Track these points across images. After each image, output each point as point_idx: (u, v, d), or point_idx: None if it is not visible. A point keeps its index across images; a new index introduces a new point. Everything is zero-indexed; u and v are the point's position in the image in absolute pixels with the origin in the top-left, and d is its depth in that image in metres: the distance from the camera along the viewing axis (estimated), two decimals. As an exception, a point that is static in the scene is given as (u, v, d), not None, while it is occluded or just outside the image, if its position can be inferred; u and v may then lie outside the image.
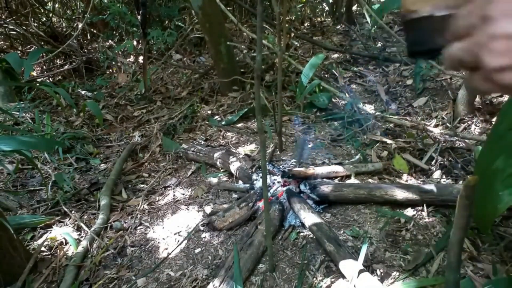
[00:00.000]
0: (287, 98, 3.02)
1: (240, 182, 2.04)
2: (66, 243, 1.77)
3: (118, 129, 2.97)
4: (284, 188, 1.84)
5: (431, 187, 1.62)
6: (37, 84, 3.35)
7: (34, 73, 3.98)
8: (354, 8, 4.80)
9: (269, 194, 1.79)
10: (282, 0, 1.72)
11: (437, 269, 1.33)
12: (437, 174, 1.89)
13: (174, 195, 2.07)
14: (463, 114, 2.30)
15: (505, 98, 2.36)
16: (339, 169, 1.92)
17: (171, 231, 1.78)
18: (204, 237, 1.69)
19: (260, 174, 1.92)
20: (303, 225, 1.61)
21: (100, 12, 4.07)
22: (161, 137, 2.65)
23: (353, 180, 1.88)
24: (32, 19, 4.01)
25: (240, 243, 1.51)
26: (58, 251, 1.71)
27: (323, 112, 2.75)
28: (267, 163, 2.02)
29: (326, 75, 3.31)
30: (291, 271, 1.42)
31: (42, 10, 4.42)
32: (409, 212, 1.63)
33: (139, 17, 3.00)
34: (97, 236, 1.75)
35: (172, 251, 1.63)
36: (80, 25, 3.89)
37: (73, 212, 1.97)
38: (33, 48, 3.96)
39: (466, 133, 2.18)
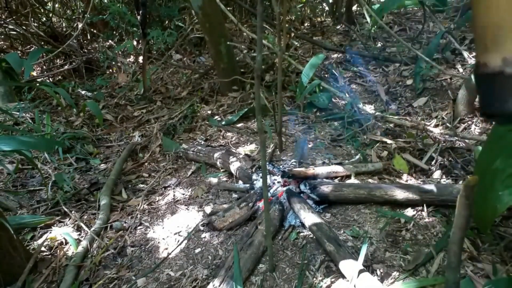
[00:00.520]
0: (287, 98, 3.02)
1: (240, 182, 2.04)
2: (66, 243, 1.77)
3: (118, 129, 2.97)
4: (284, 188, 1.84)
5: (431, 187, 1.62)
6: (37, 84, 3.35)
7: (34, 73, 3.98)
8: (354, 8, 4.80)
9: (269, 194, 1.79)
10: (282, 0, 1.72)
11: (437, 269, 1.33)
12: (437, 174, 1.89)
13: (174, 195, 2.07)
14: (463, 114, 2.30)
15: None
16: (339, 169, 1.92)
17: (171, 231, 1.78)
18: (204, 237, 1.69)
19: (260, 174, 1.92)
20: (303, 225, 1.61)
21: (100, 12, 4.07)
22: (161, 137, 2.65)
23: (353, 180, 1.88)
24: (32, 19, 4.01)
25: (240, 243, 1.51)
26: (58, 251, 1.71)
27: (323, 112, 2.75)
28: (267, 163, 2.02)
29: (326, 75, 3.31)
30: (291, 271, 1.42)
31: (42, 10, 4.42)
32: (409, 212, 1.63)
33: (139, 17, 3.01)
34: (97, 236, 1.75)
35: (172, 251, 1.63)
36: (80, 25, 3.89)
37: (73, 212, 1.97)
38: (33, 48, 3.96)
39: (466, 133, 2.18)
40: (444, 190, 1.59)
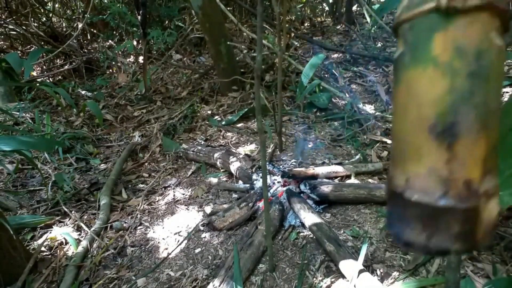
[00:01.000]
0: (287, 98, 3.02)
1: (240, 182, 2.04)
2: (66, 243, 1.77)
3: (118, 129, 2.97)
4: (284, 188, 1.84)
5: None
6: (37, 84, 3.35)
7: (34, 73, 3.98)
8: (354, 8, 4.80)
9: (269, 194, 1.79)
10: (282, 0, 1.72)
11: (437, 269, 1.33)
12: (437, 174, 1.89)
13: (174, 195, 2.07)
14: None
15: (505, 98, 2.36)
16: (339, 169, 1.92)
17: (171, 231, 1.78)
18: (204, 237, 1.69)
19: (260, 174, 1.92)
20: (303, 225, 1.61)
21: (100, 12, 4.07)
22: (161, 137, 2.65)
23: (353, 180, 1.88)
24: (32, 19, 4.01)
25: (240, 243, 1.51)
26: (58, 251, 1.71)
27: (323, 112, 2.75)
28: (267, 163, 2.02)
29: (326, 75, 3.31)
30: (291, 271, 1.42)
31: (42, 10, 4.42)
32: (409, 212, 1.63)
33: (139, 17, 3.00)
34: (97, 236, 1.75)
35: (172, 251, 1.63)
36: (80, 25, 3.89)
37: (73, 212, 1.97)
38: (33, 48, 3.96)
39: (466, 133, 2.18)
40: (444, 190, 1.59)
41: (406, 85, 0.33)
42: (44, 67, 4.15)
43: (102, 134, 2.89)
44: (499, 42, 0.31)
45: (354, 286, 1.25)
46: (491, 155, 0.33)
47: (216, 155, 2.20)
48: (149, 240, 1.75)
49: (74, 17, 4.59)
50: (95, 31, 4.38)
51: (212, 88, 3.38)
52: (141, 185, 2.24)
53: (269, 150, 2.25)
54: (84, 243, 1.70)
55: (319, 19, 4.99)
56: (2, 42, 4.25)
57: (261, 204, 1.75)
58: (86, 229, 1.82)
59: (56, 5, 4.64)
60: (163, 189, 2.16)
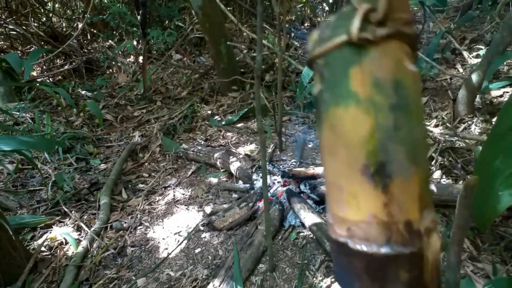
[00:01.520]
0: (287, 98, 3.02)
1: (240, 182, 2.04)
2: (66, 243, 1.77)
3: (118, 129, 2.97)
4: (284, 188, 1.84)
5: (431, 187, 1.62)
6: (37, 84, 3.35)
7: (34, 73, 3.98)
8: (354, 8, 4.80)
9: (269, 194, 1.79)
10: (282, 0, 1.72)
11: (437, 269, 1.32)
12: (437, 174, 1.89)
13: (174, 195, 2.07)
14: (463, 114, 2.30)
15: (505, 98, 2.36)
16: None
17: (171, 231, 1.78)
18: (204, 237, 1.69)
19: (260, 174, 1.92)
20: (303, 225, 1.61)
21: (100, 12, 4.07)
22: (161, 137, 2.65)
23: (353, 180, 1.88)
24: (32, 19, 4.01)
25: (240, 243, 1.51)
26: (58, 251, 1.71)
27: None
28: (267, 163, 2.02)
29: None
30: (291, 271, 1.42)
31: (42, 10, 4.41)
32: (409, 212, 1.63)
33: (139, 17, 3.00)
34: (97, 236, 1.75)
35: (172, 251, 1.63)
36: (80, 25, 3.89)
37: (73, 212, 1.97)
38: (33, 48, 3.96)
39: (466, 133, 2.18)
40: (444, 190, 1.59)
41: (330, 125, 0.31)
42: (44, 67, 4.15)
43: (102, 134, 2.89)
44: (413, 68, 0.30)
45: (354, 286, 1.25)
46: (425, 188, 0.31)
47: (216, 155, 2.20)
48: (149, 240, 1.75)
49: (74, 17, 4.59)
50: (95, 31, 4.38)
51: (212, 88, 3.38)
52: (141, 185, 2.24)
53: (269, 150, 2.25)
54: (84, 243, 1.70)
55: (319, 19, 4.99)
56: (2, 42, 4.25)
57: (261, 204, 1.75)
58: (86, 229, 1.82)
59: (56, 5, 4.64)
60: (163, 189, 2.16)
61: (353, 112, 0.29)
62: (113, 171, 2.25)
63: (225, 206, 1.83)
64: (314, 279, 1.37)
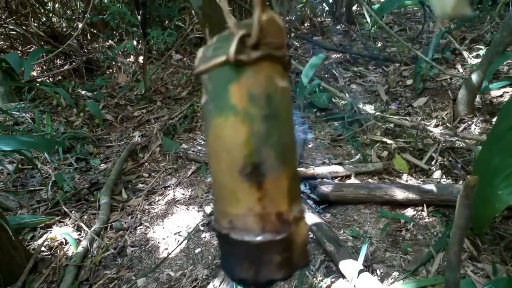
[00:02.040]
0: (287, 98, 3.02)
1: (240, 182, 2.03)
2: (66, 243, 1.77)
3: (118, 129, 2.97)
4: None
5: (431, 187, 1.62)
6: (37, 84, 3.35)
7: (34, 73, 3.98)
8: (354, 8, 4.80)
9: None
10: (282, 0, 1.72)
11: (437, 269, 1.33)
12: (437, 174, 1.89)
13: (174, 195, 2.07)
14: (463, 114, 2.30)
15: (505, 98, 2.36)
16: (339, 169, 1.92)
17: (171, 231, 1.78)
18: (204, 237, 1.69)
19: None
20: (303, 225, 1.61)
21: (100, 12, 4.07)
22: (161, 137, 2.65)
23: (353, 180, 1.88)
24: (32, 19, 4.01)
25: (240, 243, 1.51)
26: (58, 251, 1.71)
27: (323, 112, 2.75)
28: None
29: (326, 75, 3.31)
30: (291, 271, 1.42)
31: (42, 10, 4.41)
32: (409, 212, 1.63)
33: (139, 17, 3.00)
34: (97, 236, 1.75)
35: (172, 251, 1.63)
36: (80, 25, 3.89)
37: (73, 212, 1.97)
38: (33, 48, 3.96)
39: (466, 133, 2.18)
40: (444, 190, 1.59)
41: (214, 132, 0.36)
42: (44, 67, 4.15)
43: (102, 134, 2.89)
44: (283, 84, 0.35)
45: (354, 286, 1.25)
46: (293, 184, 0.36)
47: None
48: (149, 240, 1.75)
49: (74, 17, 4.59)
50: (95, 31, 4.38)
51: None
52: (141, 185, 2.24)
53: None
54: (84, 243, 1.70)
55: (319, 19, 4.99)
56: (2, 42, 4.25)
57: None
58: (86, 229, 1.82)
59: (56, 5, 4.64)
60: (163, 189, 2.16)
61: (232, 122, 0.34)
62: (113, 171, 2.25)
63: (225, 206, 1.83)
64: (314, 279, 1.37)
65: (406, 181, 1.89)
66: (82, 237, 1.81)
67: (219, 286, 1.33)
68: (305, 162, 2.11)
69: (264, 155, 0.34)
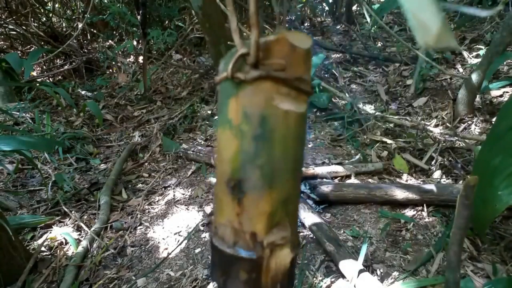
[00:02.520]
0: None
1: (240, 182, 2.03)
2: (66, 243, 1.77)
3: (118, 129, 2.97)
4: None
5: (431, 187, 1.62)
6: (37, 84, 3.35)
7: (34, 73, 3.98)
8: (354, 8, 4.80)
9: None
10: (282, 0, 1.72)
11: (437, 269, 1.33)
12: (437, 174, 1.89)
13: (174, 195, 2.07)
14: (463, 114, 2.30)
15: (505, 98, 2.36)
16: (339, 169, 1.92)
17: (171, 231, 1.78)
18: (204, 237, 1.69)
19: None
20: (303, 225, 1.61)
21: (100, 12, 4.07)
22: (161, 137, 2.65)
23: (353, 180, 1.88)
24: (32, 19, 4.01)
25: (240, 243, 1.51)
26: (58, 251, 1.71)
27: (323, 112, 2.75)
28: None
29: (326, 75, 3.31)
30: (291, 271, 1.42)
31: (42, 10, 4.41)
32: (409, 212, 1.63)
33: (139, 17, 3.00)
34: (97, 236, 1.75)
35: (172, 251, 1.63)
36: (80, 25, 3.89)
37: (73, 212, 1.97)
38: (33, 48, 3.96)
39: (466, 133, 2.18)
40: (444, 190, 1.59)
41: (218, 140, 0.38)
42: (44, 67, 4.15)
43: (102, 134, 2.89)
44: (287, 107, 0.33)
45: (354, 286, 1.25)
46: (281, 209, 0.36)
47: (216, 155, 2.20)
48: (149, 240, 1.75)
49: (74, 17, 4.59)
50: (95, 31, 4.38)
51: (212, 88, 3.38)
52: (141, 185, 2.24)
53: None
54: (84, 243, 1.70)
55: (319, 19, 4.99)
56: (2, 42, 4.25)
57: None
58: (86, 229, 1.82)
59: (56, 5, 4.64)
60: (163, 189, 2.16)
61: (228, 135, 0.35)
62: (113, 171, 2.25)
63: (225, 206, 1.83)
64: (314, 279, 1.37)
65: (406, 181, 1.89)
66: (82, 237, 1.81)
67: (219, 286, 1.33)
68: (305, 162, 2.11)
69: (248, 173, 0.34)
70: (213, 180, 2.09)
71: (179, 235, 1.75)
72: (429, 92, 2.73)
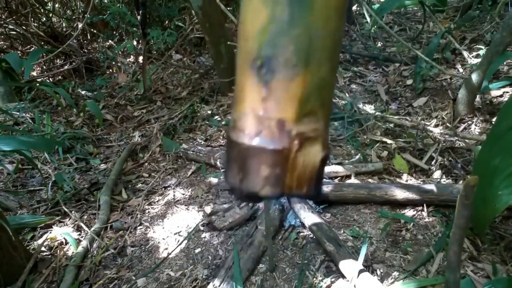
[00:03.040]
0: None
1: (240, 182, 2.03)
2: (66, 243, 1.77)
3: (118, 129, 2.97)
4: (284, 188, 1.83)
5: (431, 187, 1.62)
6: (37, 84, 3.35)
7: (34, 73, 3.98)
8: (354, 8, 4.80)
9: (269, 194, 1.79)
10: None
11: (437, 269, 1.33)
12: (437, 174, 1.89)
13: (174, 195, 2.07)
14: (463, 114, 2.30)
15: (505, 98, 2.36)
16: (339, 169, 1.92)
17: (171, 231, 1.78)
18: (204, 237, 1.69)
19: (260, 174, 1.92)
20: (303, 225, 1.61)
21: (100, 12, 4.07)
22: (161, 137, 2.65)
23: (353, 180, 1.88)
24: (32, 19, 4.01)
25: (240, 243, 1.51)
26: (58, 251, 1.71)
27: (323, 112, 2.74)
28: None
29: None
30: (291, 271, 1.42)
31: (42, 10, 4.41)
32: (409, 212, 1.63)
33: (139, 17, 3.00)
34: (97, 236, 1.75)
35: (172, 251, 1.63)
36: (80, 25, 3.89)
37: (73, 212, 1.97)
38: (33, 48, 3.96)
39: (466, 133, 2.18)
40: (444, 190, 1.59)
41: (240, 19, 0.30)
42: (44, 67, 4.15)
43: (102, 134, 2.89)
44: None
45: (354, 286, 1.25)
46: (315, 96, 0.29)
47: (216, 155, 2.20)
48: (149, 240, 1.75)
49: (74, 17, 4.59)
50: (95, 31, 4.38)
51: (212, 88, 3.38)
52: (141, 185, 2.24)
53: (269, 150, 2.24)
54: (84, 243, 1.70)
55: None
56: (2, 42, 4.25)
57: (261, 204, 1.75)
58: (86, 229, 1.82)
59: (56, 5, 4.63)
60: (163, 189, 2.16)
61: (254, 4, 0.28)
62: (113, 171, 2.25)
63: (225, 206, 1.83)
64: (314, 279, 1.37)
65: (406, 181, 1.89)
66: (82, 237, 1.81)
67: (219, 286, 1.33)
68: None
69: (279, 48, 0.27)
70: (213, 180, 2.09)
71: (179, 235, 1.75)
72: (429, 92, 2.73)
